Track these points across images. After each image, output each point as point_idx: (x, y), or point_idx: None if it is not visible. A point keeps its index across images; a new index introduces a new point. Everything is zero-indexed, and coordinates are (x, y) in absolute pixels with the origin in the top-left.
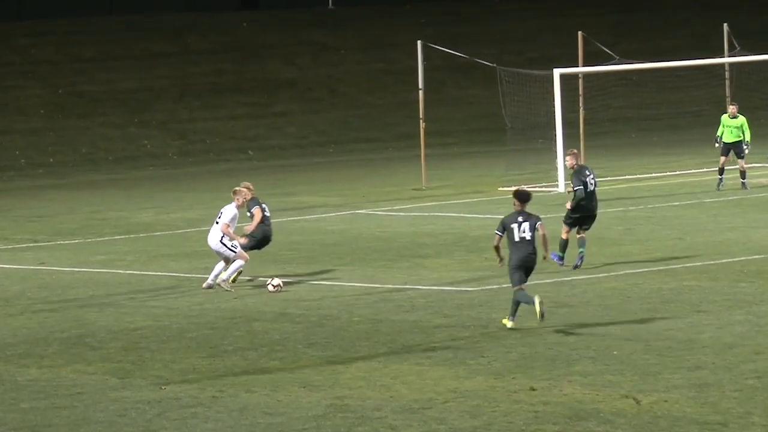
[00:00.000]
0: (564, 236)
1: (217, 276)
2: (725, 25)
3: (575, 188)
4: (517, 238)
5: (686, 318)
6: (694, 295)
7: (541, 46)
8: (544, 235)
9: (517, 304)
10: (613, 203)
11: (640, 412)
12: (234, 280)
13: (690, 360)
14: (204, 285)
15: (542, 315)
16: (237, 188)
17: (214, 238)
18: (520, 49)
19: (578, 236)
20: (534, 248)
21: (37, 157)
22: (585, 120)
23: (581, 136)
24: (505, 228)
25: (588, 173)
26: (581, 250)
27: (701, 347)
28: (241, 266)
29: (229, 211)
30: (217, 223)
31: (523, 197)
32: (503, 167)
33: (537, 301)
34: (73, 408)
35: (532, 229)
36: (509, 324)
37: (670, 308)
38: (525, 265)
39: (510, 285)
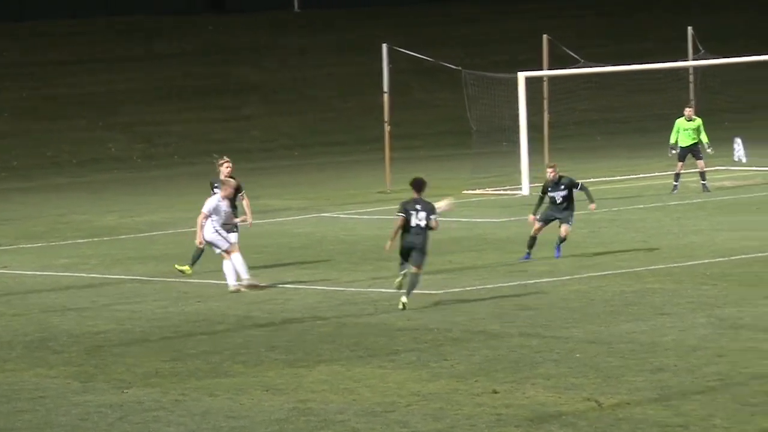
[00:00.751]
0: (534, 233)
1: (238, 276)
2: (689, 28)
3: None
4: (413, 224)
5: (649, 321)
6: (657, 298)
7: (508, 49)
8: (434, 228)
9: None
10: (577, 205)
11: (602, 415)
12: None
13: (652, 362)
14: (231, 289)
15: (403, 306)
16: (226, 179)
17: (208, 231)
18: (486, 52)
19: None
20: (425, 235)
21: (1, 161)
22: (550, 123)
23: (545, 139)
24: (406, 212)
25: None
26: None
27: (664, 350)
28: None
29: (211, 201)
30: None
31: (418, 186)
32: (469, 170)
33: (403, 301)
34: (35, 412)
35: (427, 218)
36: (401, 291)
37: (633, 311)
38: (413, 247)
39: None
